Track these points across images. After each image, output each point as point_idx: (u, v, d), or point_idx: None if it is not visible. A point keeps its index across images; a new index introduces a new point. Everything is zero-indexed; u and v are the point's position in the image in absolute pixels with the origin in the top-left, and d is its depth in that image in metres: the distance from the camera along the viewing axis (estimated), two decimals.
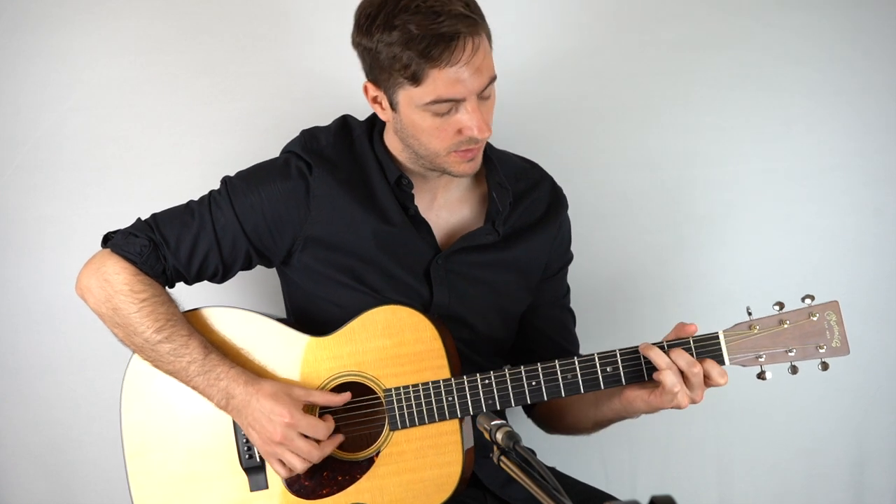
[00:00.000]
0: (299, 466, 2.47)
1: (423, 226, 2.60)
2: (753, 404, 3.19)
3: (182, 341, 2.50)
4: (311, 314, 2.64)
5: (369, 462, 2.52)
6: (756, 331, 2.43)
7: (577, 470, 2.82)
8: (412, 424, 2.49)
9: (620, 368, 2.45)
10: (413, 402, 2.49)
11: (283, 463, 2.49)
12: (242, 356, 2.56)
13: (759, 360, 2.42)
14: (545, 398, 2.46)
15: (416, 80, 2.38)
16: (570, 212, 2.79)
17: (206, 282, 2.64)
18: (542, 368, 2.46)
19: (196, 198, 2.62)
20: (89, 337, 2.95)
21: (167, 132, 3.10)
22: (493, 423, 2.10)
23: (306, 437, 2.46)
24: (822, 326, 2.42)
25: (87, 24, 3.05)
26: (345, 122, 2.67)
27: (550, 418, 2.79)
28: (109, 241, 2.59)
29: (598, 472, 3.20)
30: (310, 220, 2.57)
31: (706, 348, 2.42)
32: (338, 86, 3.07)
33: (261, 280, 2.91)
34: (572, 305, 2.85)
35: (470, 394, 2.47)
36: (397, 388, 2.49)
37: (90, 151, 3.08)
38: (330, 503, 2.52)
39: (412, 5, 2.32)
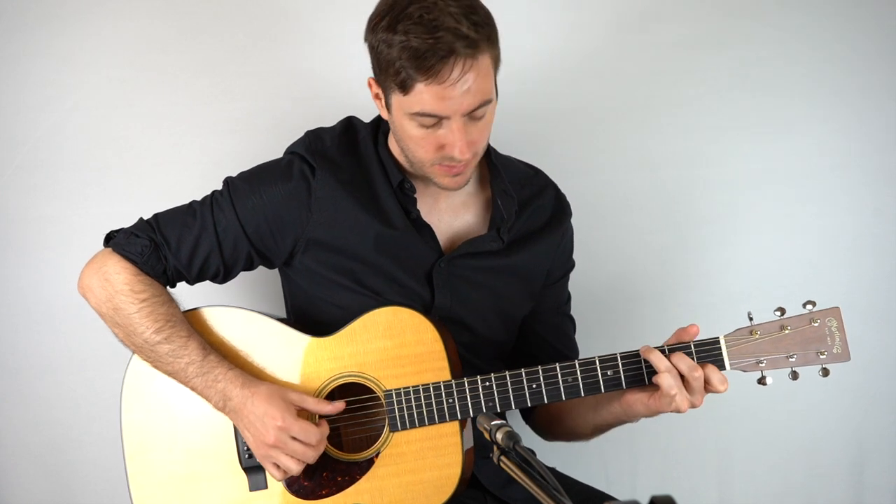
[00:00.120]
0: (294, 469, 2.47)
1: (425, 229, 2.59)
2: (753, 405, 3.19)
3: (181, 342, 2.50)
4: (312, 315, 2.64)
5: (369, 463, 2.52)
6: (757, 336, 2.43)
7: (577, 470, 2.82)
8: (412, 426, 2.49)
9: (621, 372, 2.45)
10: (413, 403, 2.49)
11: (277, 466, 2.49)
12: (242, 356, 2.57)
13: (760, 365, 2.42)
14: (545, 401, 2.46)
15: (404, 88, 2.37)
16: None
17: (207, 282, 2.64)
18: (543, 371, 2.46)
19: (197, 198, 2.62)
20: (89, 337, 2.95)
21: (167, 132, 3.09)
22: (493, 423, 2.10)
23: (299, 440, 2.47)
24: (824, 332, 2.42)
25: (87, 24, 3.05)
26: (350, 123, 2.67)
27: (550, 423, 2.79)
28: (111, 240, 2.59)
29: (598, 473, 3.20)
30: (312, 222, 2.57)
31: (707, 353, 2.42)
32: (338, 86, 3.08)
33: (261, 280, 2.91)
34: (573, 305, 2.85)
35: (470, 396, 2.47)
36: (398, 390, 2.49)
37: (90, 151, 3.07)
38: (329, 503, 2.52)
39: (416, 14, 2.31)
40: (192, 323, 2.56)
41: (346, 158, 2.60)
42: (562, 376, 2.46)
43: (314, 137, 2.62)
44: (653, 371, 2.40)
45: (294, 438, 2.45)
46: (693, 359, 2.40)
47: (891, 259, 3.24)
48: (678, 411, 2.40)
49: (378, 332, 2.51)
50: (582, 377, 2.45)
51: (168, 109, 3.09)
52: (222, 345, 2.57)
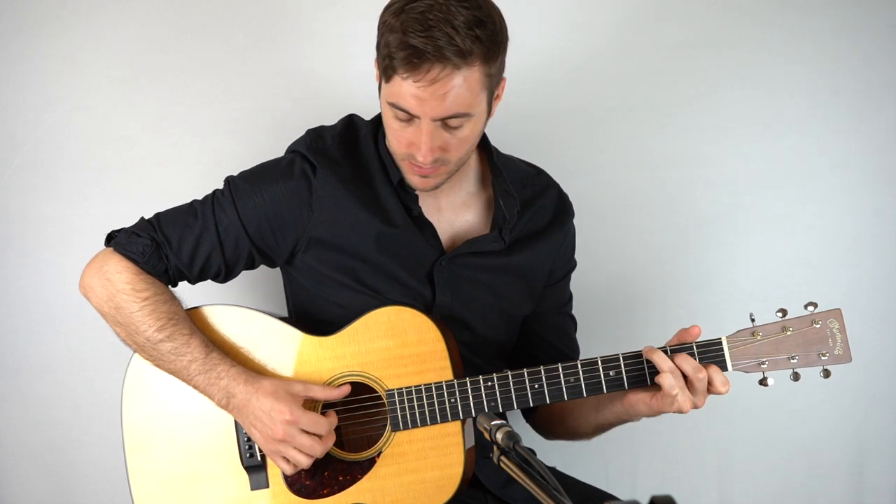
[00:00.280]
0: (304, 462, 2.47)
1: (427, 228, 2.59)
2: (754, 405, 3.19)
3: (183, 340, 2.50)
4: (313, 314, 2.64)
5: (371, 462, 2.52)
6: (759, 337, 2.43)
7: (577, 470, 2.83)
8: (414, 425, 2.49)
9: (623, 372, 2.45)
10: (415, 403, 2.49)
11: (286, 460, 2.49)
12: (244, 355, 2.57)
13: (762, 366, 2.43)
14: (548, 401, 2.46)
15: (386, 75, 2.39)
16: None
17: (208, 281, 2.64)
18: (545, 371, 2.46)
19: (198, 198, 2.62)
20: (89, 337, 2.95)
21: (167, 132, 3.09)
22: (492, 423, 2.10)
23: (308, 432, 2.47)
24: (825, 334, 2.43)
25: (88, 24, 3.05)
26: (350, 121, 2.67)
27: (551, 423, 2.79)
28: (112, 240, 2.59)
29: (598, 472, 3.20)
30: (313, 221, 2.57)
31: (709, 354, 2.42)
32: (338, 86, 3.08)
33: (262, 279, 2.91)
34: (574, 305, 2.85)
35: (472, 396, 2.47)
36: (399, 389, 2.49)
37: (90, 151, 3.07)
38: (331, 503, 2.52)
39: (421, 9, 2.31)
40: (194, 322, 2.56)
41: (347, 157, 2.60)
42: (564, 376, 2.46)
43: (315, 136, 2.62)
44: (655, 371, 2.41)
45: (303, 431, 2.46)
46: (696, 359, 2.41)
47: (891, 259, 3.25)
48: (680, 412, 2.40)
49: (380, 332, 2.51)
50: (584, 377, 2.45)
51: (168, 109, 3.09)
52: (224, 343, 2.57)
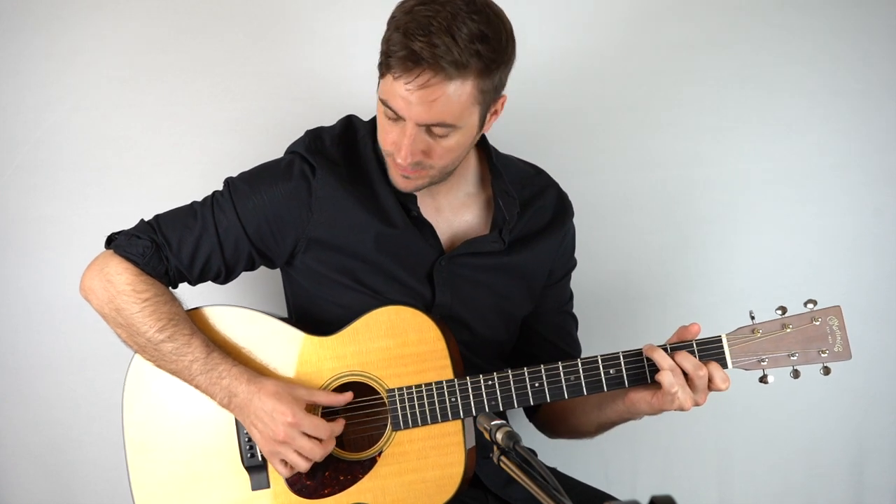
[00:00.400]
0: (303, 465, 2.47)
1: (426, 228, 2.59)
2: (754, 404, 3.19)
3: (184, 340, 2.50)
4: (313, 314, 2.64)
5: (371, 462, 2.52)
6: (759, 335, 2.43)
7: (577, 470, 2.83)
8: (415, 425, 2.49)
9: (623, 370, 2.45)
10: (416, 402, 2.49)
11: (285, 462, 2.49)
12: (244, 355, 2.57)
13: (762, 363, 2.43)
14: (548, 399, 2.46)
15: (380, 70, 2.40)
16: None
17: (208, 282, 2.64)
18: (546, 370, 2.46)
19: (197, 198, 2.62)
20: (89, 337, 2.94)
21: (167, 132, 3.09)
22: (492, 423, 2.10)
23: (308, 436, 2.47)
24: (825, 331, 2.43)
25: (88, 24, 3.04)
26: (349, 122, 2.67)
27: (554, 421, 2.79)
28: (112, 242, 2.59)
29: (598, 473, 3.20)
30: (312, 221, 2.57)
31: (709, 351, 2.43)
32: (338, 86, 3.08)
33: (262, 279, 2.90)
34: (574, 305, 2.85)
35: (473, 395, 2.47)
36: (400, 389, 2.49)
37: (90, 151, 3.07)
38: (331, 503, 2.52)
39: (426, 13, 2.31)
40: (195, 322, 2.56)
41: (346, 158, 2.61)
42: (564, 375, 2.46)
43: (314, 137, 2.62)
44: (655, 369, 2.41)
45: (304, 434, 2.45)
46: (695, 357, 2.41)
47: (891, 259, 3.25)
48: (681, 409, 2.40)
49: (380, 332, 2.51)
50: (584, 376, 2.46)
51: (168, 109, 3.09)
52: (224, 344, 2.57)
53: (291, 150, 2.63)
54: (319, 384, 2.53)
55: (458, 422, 2.49)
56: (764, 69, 3.20)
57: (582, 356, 2.55)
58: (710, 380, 2.39)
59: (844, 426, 3.28)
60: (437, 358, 2.49)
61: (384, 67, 2.37)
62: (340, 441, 2.55)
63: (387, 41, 2.36)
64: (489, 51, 2.34)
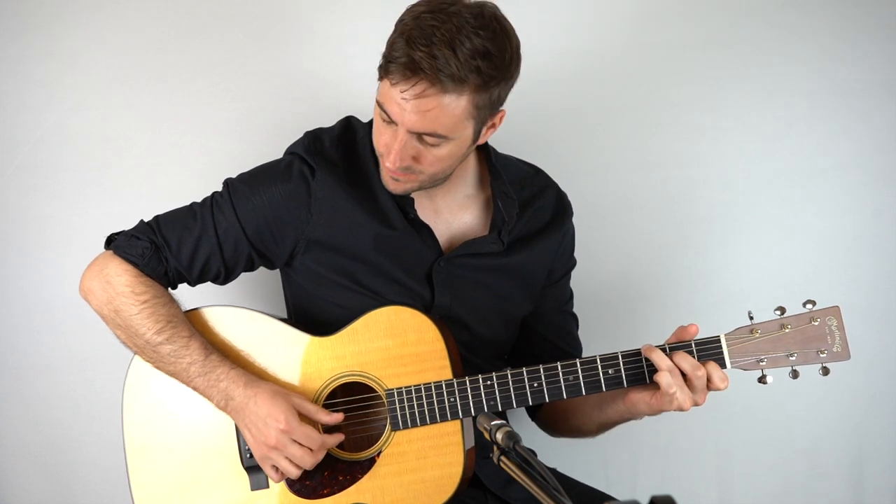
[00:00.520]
0: (292, 472, 2.48)
1: (424, 229, 2.60)
2: (753, 405, 3.19)
3: (183, 342, 2.50)
4: (313, 315, 2.64)
5: (370, 462, 2.52)
6: (757, 335, 2.43)
7: (577, 470, 2.83)
8: (414, 425, 2.49)
9: (622, 370, 2.45)
10: (415, 402, 2.49)
11: (276, 468, 2.49)
12: (244, 356, 2.57)
13: (761, 363, 2.43)
14: (546, 399, 2.46)
15: (380, 73, 2.40)
16: None
17: (208, 283, 2.64)
18: (544, 370, 2.46)
19: (197, 199, 2.62)
20: (89, 337, 2.94)
21: (167, 132, 3.09)
22: (492, 423, 2.10)
23: (300, 444, 2.47)
24: (824, 331, 2.43)
25: (88, 24, 3.05)
26: (348, 123, 2.67)
27: (556, 420, 2.79)
28: (112, 242, 2.59)
29: (598, 473, 3.20)
30: (311, 222, 2.57)
31: (708, 351, 2.42)
32: (338, 86, 3.08)
33: (262, 280, 2.90)
34: (574, 305, 2.85)
35: (472, 395, 2.47)
36: (399, 389, 2.49)
37: (90, 151, 3.07)
38: (331, 503, 2.52)
39: (432, 22, 2.31)
40: (194, 323, 2.56)
41: (345, 159, 2.61)
42: (563, 375, 2.46)
43: (313, 138, 2.62)
44: (654, 369, 2.40)
45: (295, 442, 2.46)
46: (694, 357, 2.41)
47: (891, 259, 3.25)
48: (681, 409, 2.40)
49: (379, 332, 2.51)
50: (583, 376, 2.45)
51: (168, 109, 3.09)
52: (223, 345, 2.57)
53: (291, 152, 2.63)
54: (318, 385, 2.53)
55: (457, 422, 2.49)
56: (764, 69, 3.20)
57: (581, 356, 2.55)
58: (708, 380, 2.39)
59: (844, 426, 3.28)
60: (436, 358, 2.49)
61: (383, 71, 2.38)
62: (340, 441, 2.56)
63: (391, 44, 2.36)
64: (490, 67, 2.34)
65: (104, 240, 2.61)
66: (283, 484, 2.53)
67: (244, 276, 2.69)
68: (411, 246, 2.59)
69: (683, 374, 2.38)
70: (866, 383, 3.23)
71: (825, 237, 3.24)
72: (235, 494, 2.55)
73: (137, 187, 3.07)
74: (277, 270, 2.74)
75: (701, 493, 3.27)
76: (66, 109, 3.05)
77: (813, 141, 3.23)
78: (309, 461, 2.47)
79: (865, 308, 3.15)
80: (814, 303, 2.42)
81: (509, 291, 2.68)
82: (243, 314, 2.60)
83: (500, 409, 2.48)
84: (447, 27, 2.31)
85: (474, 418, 2.44)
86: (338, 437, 2.51)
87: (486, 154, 2.67)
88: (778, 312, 2.43)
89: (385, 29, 2.40)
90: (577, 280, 2.84)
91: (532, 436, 2.89)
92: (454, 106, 2.36)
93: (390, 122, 2.40)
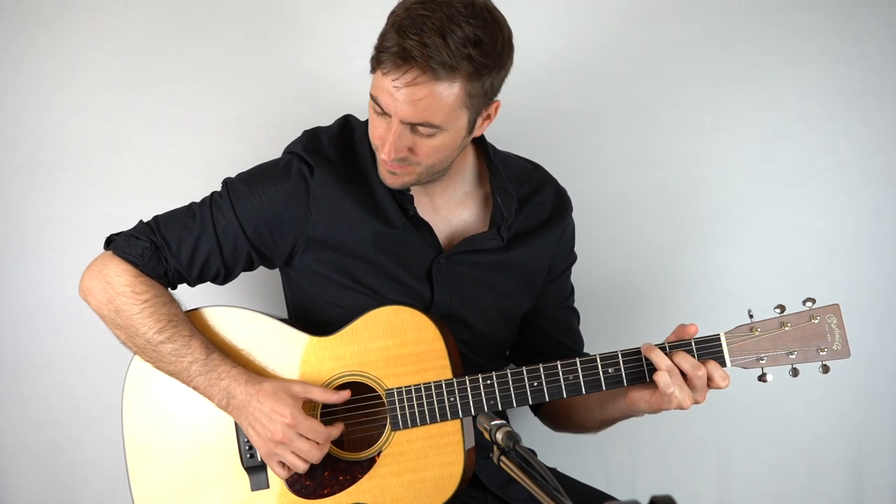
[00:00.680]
0: (300, 466, 2.48)
1: (423, 227, 2.60)
2: (753, 404, 3.19)
3: (184, 342, 2.50)
4: (312, 314, 2.64)
5: (370, 462, 2.52)
6: (757, 333, 2.43)
7: (577, 470, 2.83)
8: (413, 425, 2.49)
9: (622, 369, 2.45)
10: (415, 402, 2.49)
11: (282, 464, 2.49)
12: (244, 356, 2.57)
13: (761, 362, 2.43)
14: (547, 398, 2.46)
15: (371, 65, 2.41)
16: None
17: (207, 283, 2.64)
18: (544, 369, 2.46)
19: (197, 199, 2.62)
20: (89, 337, 2.94)
21: (167, 132, 3.09)
22: (492, 423, 2.10)
23: (306, 437, 2.47)
24: (823, 329, 2.43)
25: (88, 24, 3.05)
26: (346, 122, 2.67)
27: (559, 416, 2.79)
28: (111, 243, 2.59)
29: (598, 473, 3.20)
30: (311, 221, 2.57)
31: (708, 349, 2.43)
32: (338, 86, 3.08)
33: (261, 280, 2.91)
34: (574, 306, 2.85)
35: (472, 394, 2.47)
36: (399, 389, 2.49)
37: (90, 151, 3.07)
38: (331, 503, 2.52)
39: (422, 12, 2.31)
40: (194, 323, 2.56)
41: (344, 157, 2.61)
42: (563, 374, 2.46)
43: (311, 137, 2.63)
44: (654, 368, 2.40)
45: (301, 436, 2.46)
46: (694, 355, 2.41)
47: (891, 259, 3.25)
48: (681, 408, 2.40)
49: (379, 332, 2.51)
50: (583, 375, 2.45)
51: (168, 109, 3.09)
52: (224, 345, 2.57)
53: (289, 151, 2.63)
54: (318, 385, 2.53)
55: (457, 422, 2.49)
56: (764, 69, 3.20)
57: (582, 354, 2.54)
58: (709, 379, 2.39)
59: (844, 426, 3.28)
60: (436, 358, 2.49)
61: (375, 62, 2.38)
62: (340, 441, 2.56)
63: (382, 36, 2.37)
64: (481, 55, 2.34)
65: (104, 240, 2.61)
66: (283, 484, 2.53)
67: (244, 276, 2.69)
68: (411, 243, 2.60)
69: (684, 374, 2.38)
70: (866, 383, 3.23)
71: (825, 237, 3.24)
72: (235, 494, 2.55)
73: (137, 187, 3.07)
74: (277, 270, 2.74)
75: (701, 492, 3.27)
76: (66, 109, 3.05)
77: (813, 141, 3.23)
78: (316, 455, 2.47)
79: (865, 308, 3.15)
80: (814, 301, 2.41)
81: (509, 288, 2.69)
82: (243, 314, 2.60)
83: (500, 408, 2.48)
84: (438, 16, 2.31)
85: (474, 418, 2.44)
86: (339, 427, 2.51)
87: (484, 150, 2.67)
88: (778, 310, 2.43)
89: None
90: (577, 280, 2.84)
91: (532, 436, 2.89)
92: (447, 94, 2.36)
93: (383, 113, 2.40)
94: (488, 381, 2.48)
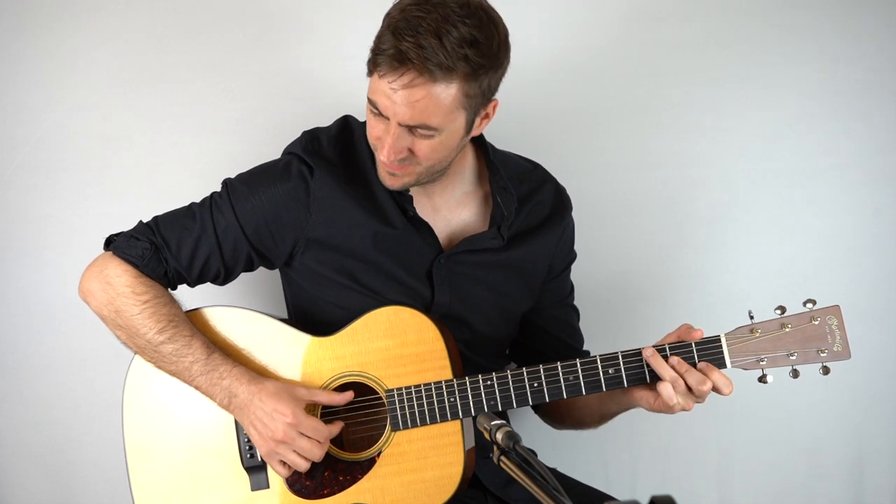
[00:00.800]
0: (302, 465, 2.48)
1: (423, 227, 2.60)
2: (753, 404, 3.19)
3: (185, 342, 2.50)
4: (313, 315, 2.64)
5: (371, 462, 2.52)
6: (758, 334, 2.43)
7: (577, 470, 2.83)
8: (414, 425, 2.49)
9: (622, 370, 2.45)
10: (415, 402, 2.49)
11: (283, 463, 2.49)
12: (244, 356, 2.57)
13: (761, 363, 2.43)
14: (547, 399, 2.47)
15: (368, 67, 2.41)
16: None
17: (207, 283, 2.64)
18: (544, 370, 2.46)
19: (197, 199, 2.62)
20: (89, 337, 2.94)
21: (167, 132, 3.09)
22: (492, 423, 2.10)
23: (307, 436, 2.47)
24: (824, 330, 2.43)
25: (88, 24, 3.05)
26: (346, 122, 2.67)
27: (560, 413, 2.80)
28: (111, 243, 2.59)
29: (598, 473, 3.20)
30: (311, 222, 2.57)
31: (708, 351, 2.43)
32: (338, 86, 3.08)
33: (262, 280, 2.91)
34: (574, 303, 2.85)
35: (472, 394, 2.47)
36: (399, 389, 2.49)
37: (90, 151, 3.07)
38: (331, 503, 2.52)
39: (418, 13, 2.31)
40: (194, 323, 2.56)
41: (343, 158, 2.61)
42: (563, 375, 2.46)
43: (311, 138, 2.62)
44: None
45: (303, 435, 2.45)
46: (694, 357, 2.41)
47: (891, 259, 3.24)
48: (684, 410, 2.41)
49: (379, 332, 2.51)
50: (583, 375, 2.46)
51: (168, 109, 3.09)
52: (224, 345, 2.57)
53: (289, 151, 2.63)
54: (319, 385, 2.53)
55: (457, 422, 2.49)
56: (764, 69, 3.20)
57: (582, 354, 2.54)
58: (714, 389, 2.40)
59: (844, 426, 3.27)
60: (436, 358, 2.49)
61: (372, 65, 2.38)
62: (340, 441, 2.56)
63: (378, 38, 2.37)
64: (478, 55, 2.34)
65: (104, 240, 2.61)
66: (283, 484, 2.53)
67: (244, 276, 2.69)
68: (411, 244, 2.60)
69: (688, 387, 2.39)
70: (866, 383, 3.23)
71: (825, 237, 3.24)
72: (235, 495, 2.55)
73: (137, 187, 3.07)
74: (277, 271, 2.74)
75: (701, 492, 3.27)
76: (66, 109, 3.05)
77: (813, 141, 3.23)
78: (317, 453, 2.47)
79: (865, 308, 3.15)
80: (814, 302, 2.41)
81: (509, 288, 2.68)
82: (243, 314, 2.60)
83: (500, 408, 2.48)
84: (433, 17, 2.31)
85: (474, 418, 2.44)
86: (339, 425, 2.51)
87: (483, 150, 2.67)
88: (778, 312, 2.43)
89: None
90: (577, 280, 2.84)
91: (532, 436, 2.89)
92: (444, 96, 2.35)
93: (381, 116, 2.40)
94: (488, 382, 2.48)
